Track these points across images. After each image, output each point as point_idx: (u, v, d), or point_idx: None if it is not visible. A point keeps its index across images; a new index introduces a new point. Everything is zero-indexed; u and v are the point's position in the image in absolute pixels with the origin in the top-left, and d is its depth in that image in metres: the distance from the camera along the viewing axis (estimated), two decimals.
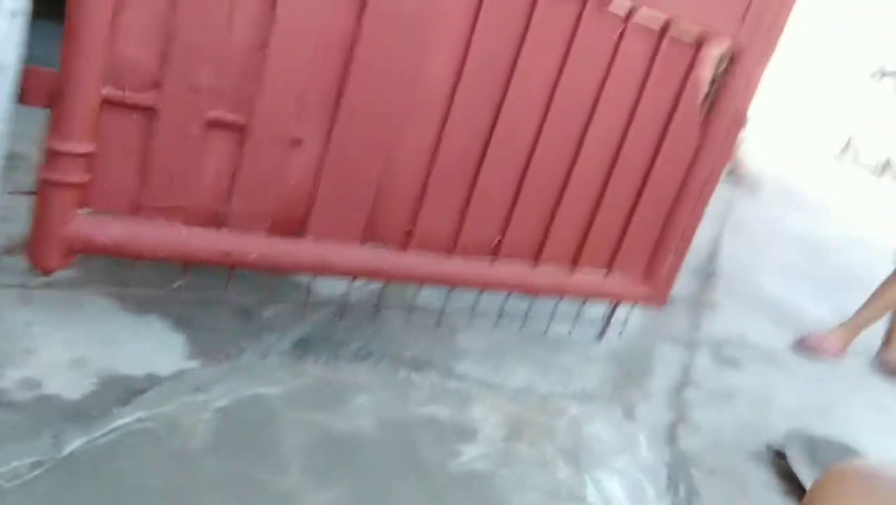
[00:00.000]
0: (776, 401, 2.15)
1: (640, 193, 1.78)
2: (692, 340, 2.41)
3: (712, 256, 3.61)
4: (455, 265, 1.59)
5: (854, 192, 9.13)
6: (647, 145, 1.74)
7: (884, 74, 12.40)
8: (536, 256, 1.71)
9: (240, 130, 1.27)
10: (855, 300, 3.03)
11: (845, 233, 5.64)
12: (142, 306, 1.46)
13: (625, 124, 1.68)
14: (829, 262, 4.41)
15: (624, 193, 1.76)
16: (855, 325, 2.75)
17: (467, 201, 1.55)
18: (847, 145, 12.38)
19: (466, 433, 1.47)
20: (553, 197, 1.67)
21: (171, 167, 1.22)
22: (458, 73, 1.41)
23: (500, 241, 1.64)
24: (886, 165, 11.61)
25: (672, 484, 1.56)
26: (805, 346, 2.67)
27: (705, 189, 1.85)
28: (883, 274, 2.83)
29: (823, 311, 3.31)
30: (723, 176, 5.74)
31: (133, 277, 1.33)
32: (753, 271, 3.58)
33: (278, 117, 1.28)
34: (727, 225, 4.46)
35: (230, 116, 1.24)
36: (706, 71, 1.73)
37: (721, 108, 1.78)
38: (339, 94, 1.32)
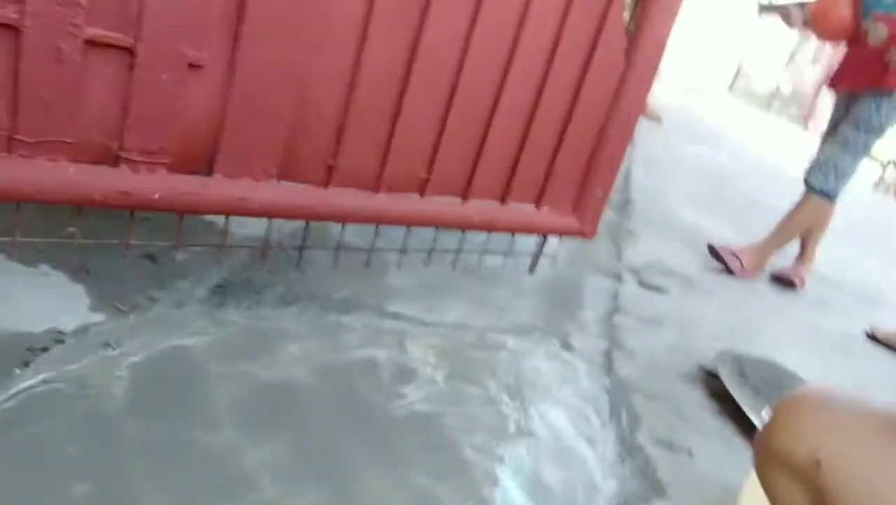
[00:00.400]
0: (700, 324, 2.19)
1: (566, 125, 1.72)
2: (616, 269, 2.42)
3: (625, 187, 3.65)
4: (381, 202, 1.48)
5: (747, 121, 9.51)
6: (572, 75, 1.67)
7: (766, 9, 12.87)
8: (465, 191, 1.63)
9: (127, 53, 1.10)
10: (756, 223, 3.14)
11: (742, 161, 5.86)
12: (32, 256, 1.29)
13: (549, 54, 1.61)
14: (731, 189, 4.58)
15: (550, 125, 1.70)
16: (767, 246, 2.85)
17: (390, 135, 1.44)
18: (737, 76, 12.86)
19: (406, 374, 1.39)
20: (479, 131, 1.58)
21: (45, 96, 1.05)
22: None
23: (427, 177, 1.54)
24: (775, 95, 12.16)
25: (615, 411, 1.54)
26: (719, 254, 2.79)
27: (630, 118, 1.80)
28: (778, 199, 2.95)
29: (731, 234, 3.41)
30: None
31: (19, 225, 1.15)
32: (664, 200, 3.65)
33: (170, 37, 1.11)
34: (635, 157, 4.52)
35: (112, 35, 1.07)
36: None
37: (643, 35, 1.72)
38: (242, 10, 1.16)
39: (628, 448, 1.42)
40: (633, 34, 1.74)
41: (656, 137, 5.67)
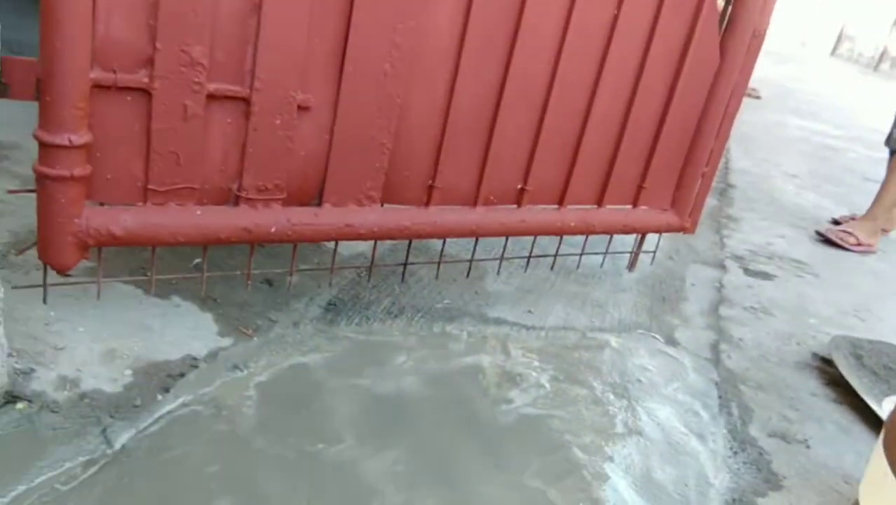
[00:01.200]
0: (812, 309, 2.12)
1: (661, 124, 1.71)
2: (720, 258, 2.37)
3: (724, 171, 3.55)
4: (479, 216, 1.54)
5: (852, 87, 8.98)
6: (665, 74, 1.66)
7: None
8: (561, 198, 1.66)
9: (242, 102, 1.20)
10: (867, 197, 2.98)
11: (848, 132, 5.55)
12: (164, 290, 1.42)
13: (641, 55, 1.61)
14: (838, 163, 4.35)
15: (645, 126, 1.70)
16: (874, 213, 2.75)
17: (486, 151, 1.49)
18: (839, 39, 12.13)
19: (512, 379, 1.44)
20: (573, 138, 1.61)
21: (175, 148, 1.16)
22: (465, 21, 1.34)
23: (523, 188, 1.58)
24: (881, 58, 11.41)
25: (724, 404, 1.54)
26: (830, 239, 2.68)
27: (729, 111, 1.78)
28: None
29: (843, 211, 3.26)
30: None
31: (153, 264, 1.28)
32: (766, 182, 3.52)
33: (281, 84, 1.20)
34: (733, 138, 4.38)
35: (231, 88, 1.17)
36: None
37: (739, 27, 1.69)
38: (342, 54, 1.25)
39: (740, 441, 1.42)
40: (729, 26, 1.71)
41: (755, 114, 5.45)
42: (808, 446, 1.45)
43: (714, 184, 3.22)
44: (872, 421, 1.56)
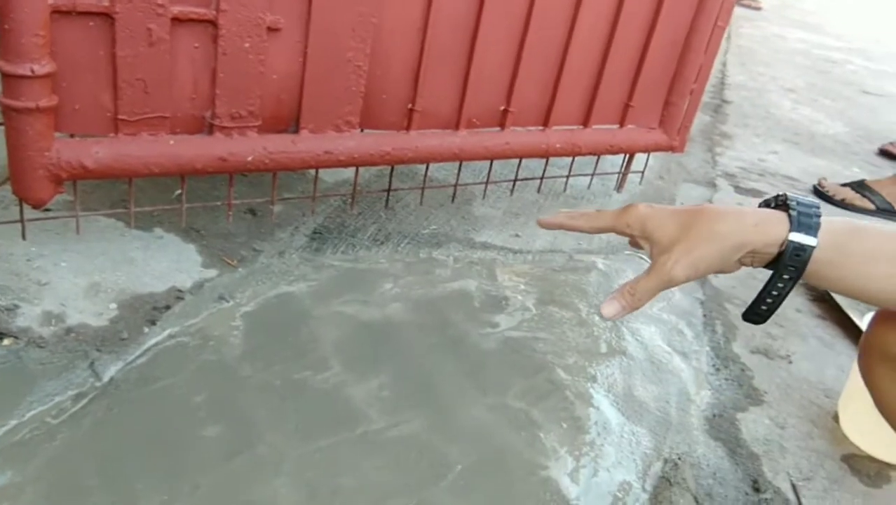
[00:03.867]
0: None
1: (648, 40, 1.66)
2: (710, 176, 2.36)
3: (719, 85, 3.49)
4: (462, 139, 1.51)
5: None
6: None
7: None
8: (546, 119, 1.63)
9: (209, 25, 1.16)
10: (865, 112, 2.93)
11: (851, 44, 5.42)
12: (146, 222, 1.41)
13: None
14: (838, 76, 4.26)
15: (631, 42, 1.64)
16: None
17: (466, 72, 1.45)
18: None
19: (497, 303, 1.45)
20: (556, 56, 1.56)
21: (142, 75, 1.13)
22: None
23: (506, 110, 1.55)
24: None
25: (708, 322, 1.55)
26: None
27: (718, 25, 1.72)
28: (892, 82, 2.69)
29: (838, 126, 3.22)
30: None
31: (132, 196, 1.27)
32: (763, 97, 3.47)
33: (248, 5, 1.16)
34: (730, 51, 4.29)
35: (196, 11, 1.13)
36: None
37: None
38: None
39: (723, 359, 1.44)
40: None
41: (754, 27, 5.32)
42: (790, 362, 1.47)
43: (708, 99, 3.17)
44: (855, 336, 1.58)
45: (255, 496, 0.95)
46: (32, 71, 1.01)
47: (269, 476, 0.98)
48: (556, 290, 1.54)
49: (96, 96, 1.11)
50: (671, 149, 1.82)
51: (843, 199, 2.30)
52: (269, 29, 1.20)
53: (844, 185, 2.35)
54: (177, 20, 1.12)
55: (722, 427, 1.26)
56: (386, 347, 1.26)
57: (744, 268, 0.72)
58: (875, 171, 2.70)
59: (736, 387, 1.37)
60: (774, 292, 0.69)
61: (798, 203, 0.68)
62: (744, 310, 0.73)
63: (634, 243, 0.78)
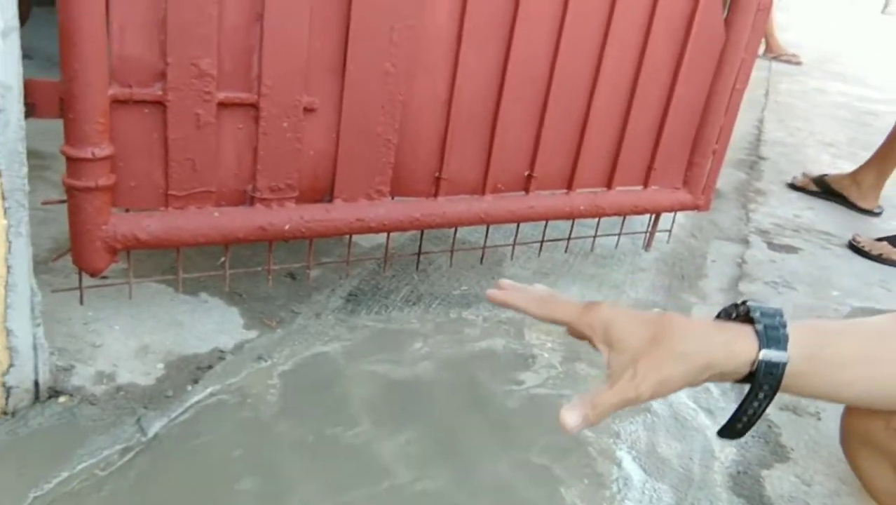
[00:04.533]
0: (835, 281, 2.12)
1: (667, 104, 1.72)
2: (743, 233, 2.38)
3: (755, 142, 3.52)
4: (488, 204, 1.59)
5: None
6: (669, 53, 1.67)
7: None
8: (569, 182, 1.70)
9: (251, 108, 1.27)
10: None
11: (891, 95, 5.38)
12: (192, 288, 1.52)
13: (643, 36, 1.62)
14: (877, 128, 4.23)
15: (651, 107, 1.71)
16: None
17: (491, 141, 1.54)
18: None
19: (524, 361, 1.49)
20: (577, 123, 1.64)
21: (191, 155, 1.24)
22: (462, 16, 1.38)
23: (530, 175, 1.62)
24: None
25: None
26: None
27: (736, 87, 1.78)
28: None
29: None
30: (760, 55, 5.54)
31: (180, 263, 1.37)
32: (800, 153, 3.47)
33: (286, 89, 1.27)
34: (768, 107, 4.32)
35: (239, 96, 1.25)
36: None
37: (744, 2, 1.70)
38: (344, 57, 1.31)
39: None
40: (733, 1, 1.72)
41: (793, 82, 5.34)
42: (819, 419, 1.47)
43: (743, 157, 3.20)
44: None
45: None
46: (93, 154, 1.13)
47: None
48: (583, 347, 1.56)
49: (149, 174, 1.23)
50: (696, 208, 1.86)
51: (879, 254, 2.29)
52: (306, 109, 1.31)
53: (880, 239, 2.34)
54: (222, 105, 1.24)
55: (746, 484, 1.27)
56: (414, 404, 1.32)
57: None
58: None
59: (762, 444, 1.38)
60: (751, 411, 0.67)
61: (762, 314, 0.66)
62: (719, 429, 0.71)
63: (578, 335, 0.75)
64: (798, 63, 6.01)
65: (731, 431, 0.70)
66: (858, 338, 0.68)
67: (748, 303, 0.69)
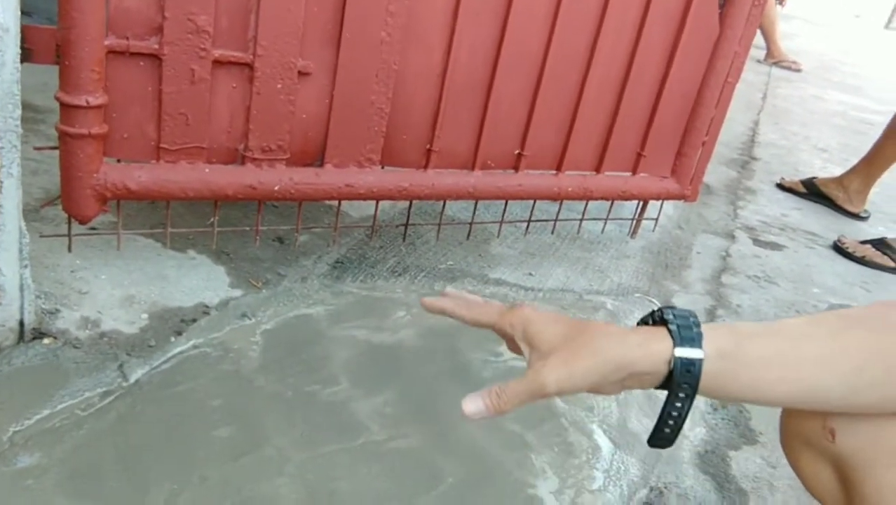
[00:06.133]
0: (819, 279, 2.15)
1: (659, 93, 1.75)
2: (729, 228, 2.41)
3: (749, 143, 3.54)
4: (476, 179, 1.61)
5: None
6: (663, 42, 1.69)
7: None
8: (559, 163, 1.72)
9: (246, 67, 1.29)
10: (894, 173, 2.95)
11: (888, 107, 5.40)
12: (181, 243, 1.54)
13: (639, 22, 1.64)
14: (871, 137, 4.26)
15: (643, 95, 1.73)
16: None
17: (483, 117, 1.56)
18: (894, 12, 11.73)
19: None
20: (570, 105, 1.66)
21: (184, 110, 1.26)
22: None
23: (520, 154, 1.64)
24: None
25: None
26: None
27: (728, 80, 1.80)
28: None
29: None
30: (761, 60, 5.57)
31: (169, 217, 1.39)
32: (793, 156, 3.50)
33: (282, 51, 1.29)
34: (764, 110, 4.35)
35: (234, 54, 1.26)
36: None
37: None
38: (340, 23, 1.32)
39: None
40: None
41: (792, 88, 5.37)
42: None
43: (736, 156, 3.23)
44: None
45: (258, 493, 1.03)
46: (87, 102, 1.14)
47: (272, 476, 1.06)
48: None
49: (142, 127, 1.24)
50: (683, 197, 1.89)
51: (863, 256, 2.32)
52: (300, 73, 1.33)
53: (865, 242, 2.37)
54: (217, 62, 1.26)
55: (712, 462, 1.30)
56: (393, 368, 1.34)
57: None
58: None
59: (731, 426, 1.41)
60: (675, 413, 0.66)
61: (675, 315, 0.66)
62: (648, 437, 0.71)
63: (514, 348, 0.75)
64: (798, 70, 6.04)
65: (659, 438, 0.69)
66: (777, 338, 0.66)
67: (662, 308, 0.69)
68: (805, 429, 0.75)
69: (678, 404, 0.66)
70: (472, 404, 0.70)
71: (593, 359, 0.65)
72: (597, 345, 0.66)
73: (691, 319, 0.66)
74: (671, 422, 0.67)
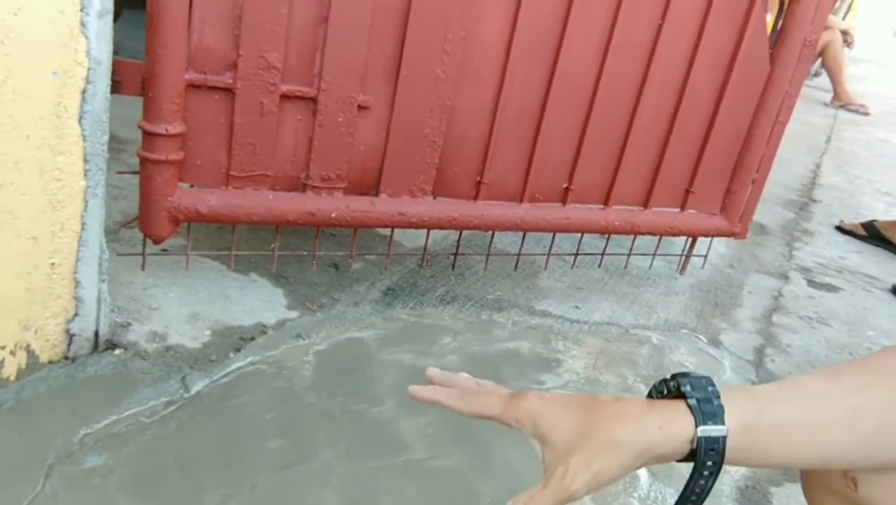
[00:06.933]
0: (873, 321, 2.11)
1: (709, 130, 1.78)
2: (784, 269, 2.38)
3: (809, 185, 3.50)
4: (524, 211, 1.66)
5: None
6: (713, 80, 1.73)
7: None
8: (606, 198, 1.76)
9: (311, 101, 1.38)
10: None
11: None
12: (244, 266, 1.63)
13: (688, 60, 1.68)
14: None
15: (692, 131, 1.77)
16: None
17: (532, 152, 1.62)
18: None
19: (549, 365, 1.55)
20: (618, 140, 1.70)
21: (252, 140, 1.35)
22: (512, 28, 1.47)
23: (568, 187, 1.69)
24: None
25: None
26: None
27: (779, 119, 1.82)
28: None
29: None
30: (827, 103, 5.49)
31: (234, 242, 1.48)
32: (855, 199, 3.44)
33: (344, 86, 1.38)
34: (827, 153, 4.28)
35: (301, 89, 1.36)
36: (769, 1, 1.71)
37: (789, 37, 1.75)
38: (399, 60, 1.41)
39: None
40: (780, 36, 1.77)
41: (859, 130, 5.27)
42: None
43: (795, 197, 3.20)
44: None
45: (304, 502, 1.09)
46: (167, 130, 1.25)
47: (318, 487, 1.12)
48: (607, 358, 1.62)
49: (214, 154, 1.34)
50: (732, 234, 1.90)
51: None
52: (360, 107, 1.42)
53: None
54: (285, 96, 1.35)
55: (753, 498, 1.30)
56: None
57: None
58: None
59: None
60: (698, 490, 0.64)
61: (692, 387, 0.63)
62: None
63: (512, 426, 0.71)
64: (866, 113, 5.92)
65: None
66: (798, 401, 0.64)
67: (677, 376, 0.65)
68: (826, 477, 0.74)
69: (702, 482, 0.63)
70: None
71: (616, 456, 0.62)
72: (616, 438, 0.62)
73: (710, 390, 0.63)
74: (694, 498, 0.65)
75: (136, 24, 1.33)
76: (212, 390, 1.27)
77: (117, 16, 1.23)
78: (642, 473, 1.28)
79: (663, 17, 1.59)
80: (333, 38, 1.33)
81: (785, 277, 2.32)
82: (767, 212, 2.84)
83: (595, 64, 1.58)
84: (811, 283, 2.32)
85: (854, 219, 2.99)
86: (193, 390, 1.26)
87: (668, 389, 0.65)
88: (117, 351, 1.29)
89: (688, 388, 0.62)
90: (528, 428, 0.67)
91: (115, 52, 1.16)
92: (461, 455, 1.24)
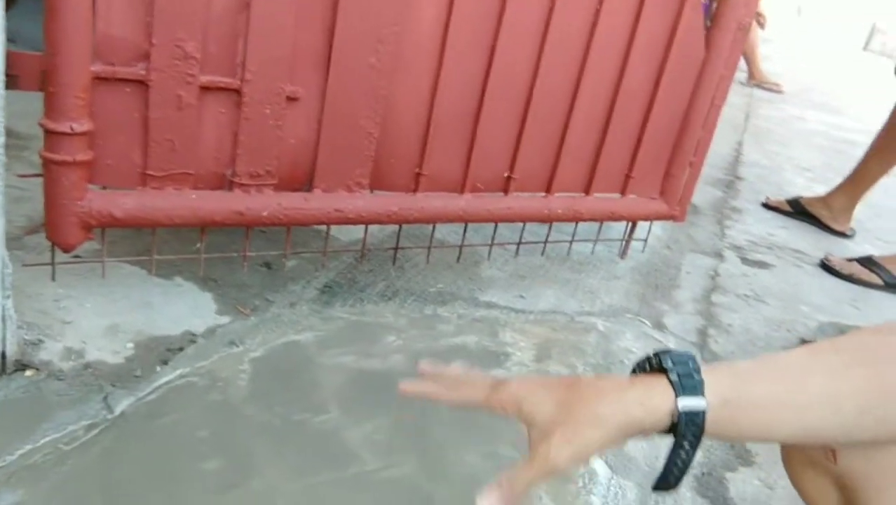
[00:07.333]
0: (807, 297, 2.15)
1: (647, 115, 1.76)
2: (717, 248, 2.41)
3: (734, 163, 3.57)
4: (466, 202, 1.60)
5: (881, 82, 8.82)
6: (650, 65, 1.71)
7: None
8: (548, 186, 1.72)
9: (234, 93, 1.28)
10: (878, 193, 2.98)
11: (867, 126, 5.48)
12: (167, 270, 1.51)
13: (626, 46, 1.65)
14: (852, 156, 4.30)
15: (631, 117, 1.74)
16: None
17: (471, 141, 1.55)
18: (872, 34, 11.95)
19: (497, 358, 1.50)
20: (558, 129, 1.66)
21: (171, 136, 1.24)
22: (447, 19, 1.40)
23: (509, 176, 1.64)
24: None
25: None
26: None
27: (715, 102, 1.82)
28: None
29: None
30: (743, 82, 5.64)
31: (154, 244, 1.37)
32: (777, 175, 3.53)
33: (270, 76, 1.28)
34: (748, 131, 4.39)
35: (222, 80, 1.25)
36: None
37: (724, 21, 1.74)
38: (330, 48, 1.32)
39: None
40: (714, 19, 1.76)
41: (774, 109, 5.43)
42: None
43: (721, 175, 3.25)
44: None
45: None
46: (72, 129, 1.13)
47: None
48: (555, 348, 1.59)
49: (128, 153, 1.23)
50: (672, 218, 1.89)
51: (850, 274, 2.33)
52: (289, 98, 1.32)
53: (851, 260, 2.38)
54: (205, 88, 1.24)
55: (710, 485, 1.28)
56: (384, 394, 1.32)
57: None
58: (885, 248, 2.73)
59: (727, 448, 1.39)
60: (680, 462, 0.66)
61: (674, 362, 0.65)
62: (653, 483, 0.70)
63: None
64: (780, 91, 6.12)
65: (665, 483, 0.68)
66: (778, 379, 0.65)
67: (659, 352, 0.67)
68: (806, 449, 0.75)
69: (683, 454, 0.65)
70: (488, 501, 0.66)
71: (597, 430, 0.64)
72: (597, 412, 0.64)
73: (691, 365, 0.64)
74: (676, 470, 0.66)
75: (35, 10, 1.19)
76: (138, 409, 1.16)
77: (12, 1, 1.10)
78: (601, 468, 1.25)
79: (601, 2, 1.55)
80: (257, 25, 1.23)
81: (720, 255, 2.34)
82: (698, 191, 2.85)
83: (533, 52, 1.53)
84: (744, 260, 2.35)
85: (777, 195, 3.06)
86: (118, 410, 1.15)
87: (651, 365, 0.67)
88: (28, 372, 1.17)
89: (669, 363, 0.65)
90: (513, 412, 0.69)
91: (11, 43, 1.03)
92: (414, 462, 1.17)
